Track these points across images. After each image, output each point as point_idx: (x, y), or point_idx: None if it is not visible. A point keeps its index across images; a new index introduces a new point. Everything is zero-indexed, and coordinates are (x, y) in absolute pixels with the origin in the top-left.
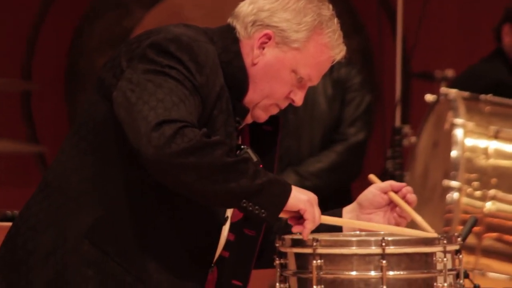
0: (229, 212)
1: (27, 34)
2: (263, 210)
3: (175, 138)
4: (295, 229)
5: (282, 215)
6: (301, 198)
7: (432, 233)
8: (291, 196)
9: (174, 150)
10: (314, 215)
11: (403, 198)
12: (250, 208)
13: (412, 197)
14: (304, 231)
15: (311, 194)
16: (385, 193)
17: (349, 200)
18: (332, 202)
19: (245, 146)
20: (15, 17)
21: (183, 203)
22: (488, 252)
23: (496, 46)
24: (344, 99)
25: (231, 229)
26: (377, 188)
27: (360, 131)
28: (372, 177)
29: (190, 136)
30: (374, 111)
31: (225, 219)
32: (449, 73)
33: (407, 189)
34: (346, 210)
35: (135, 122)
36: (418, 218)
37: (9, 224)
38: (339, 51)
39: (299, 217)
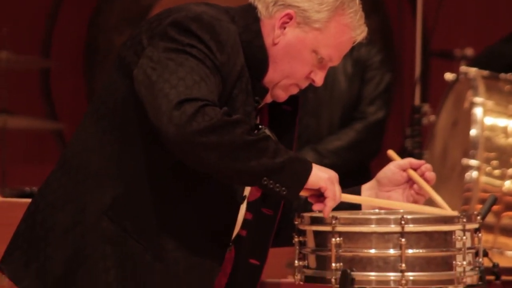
0: (246, 191)
1: (46, 12)
2: (283, 188)
3: (196, 116)
4: (316, 207)
5: (302, 193)
6: (321, 176)
7: (450, 211)
8: (312, 174)
9: (195, 129)
10: (335, 193)
11: (422, 175)
12: (271, 186)
13: (430, 175)
14: (325, 209)
15: (331, 172)
16: (404, 170)
17: (368, 178)
18: (351, 180)
19: (263, 126)
20: None
21: (202, 181)
22: (507, 231)
23: None
24: (364, 77)
25: (248, 208)
26: (396, 166)
27: (379, 110)
28: (390, 152)
29: (211, 114)
30: (393, 90)
31: (243, 198)
32: (469, 51)
33: (426, 166)
34: (365, 187)
35: (156, 100)
36: (436, 197)
37: (28, 200)
38: (360, 32)
39: (319, 195)
